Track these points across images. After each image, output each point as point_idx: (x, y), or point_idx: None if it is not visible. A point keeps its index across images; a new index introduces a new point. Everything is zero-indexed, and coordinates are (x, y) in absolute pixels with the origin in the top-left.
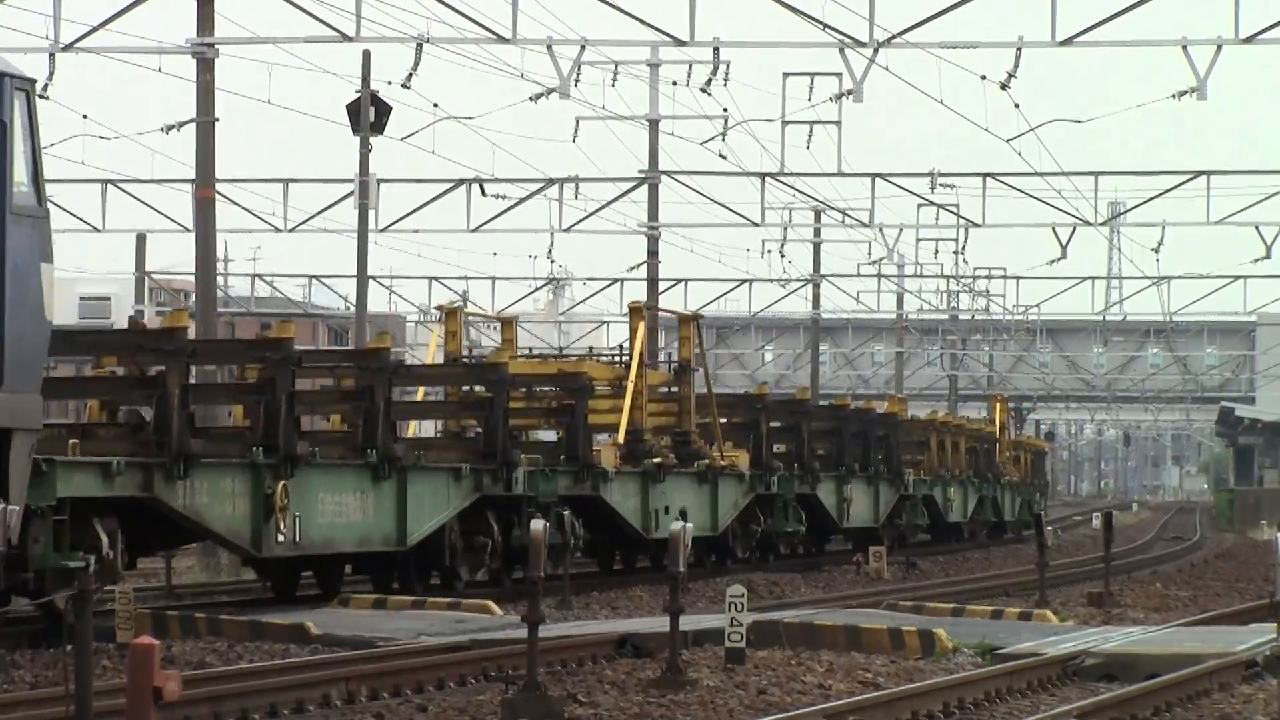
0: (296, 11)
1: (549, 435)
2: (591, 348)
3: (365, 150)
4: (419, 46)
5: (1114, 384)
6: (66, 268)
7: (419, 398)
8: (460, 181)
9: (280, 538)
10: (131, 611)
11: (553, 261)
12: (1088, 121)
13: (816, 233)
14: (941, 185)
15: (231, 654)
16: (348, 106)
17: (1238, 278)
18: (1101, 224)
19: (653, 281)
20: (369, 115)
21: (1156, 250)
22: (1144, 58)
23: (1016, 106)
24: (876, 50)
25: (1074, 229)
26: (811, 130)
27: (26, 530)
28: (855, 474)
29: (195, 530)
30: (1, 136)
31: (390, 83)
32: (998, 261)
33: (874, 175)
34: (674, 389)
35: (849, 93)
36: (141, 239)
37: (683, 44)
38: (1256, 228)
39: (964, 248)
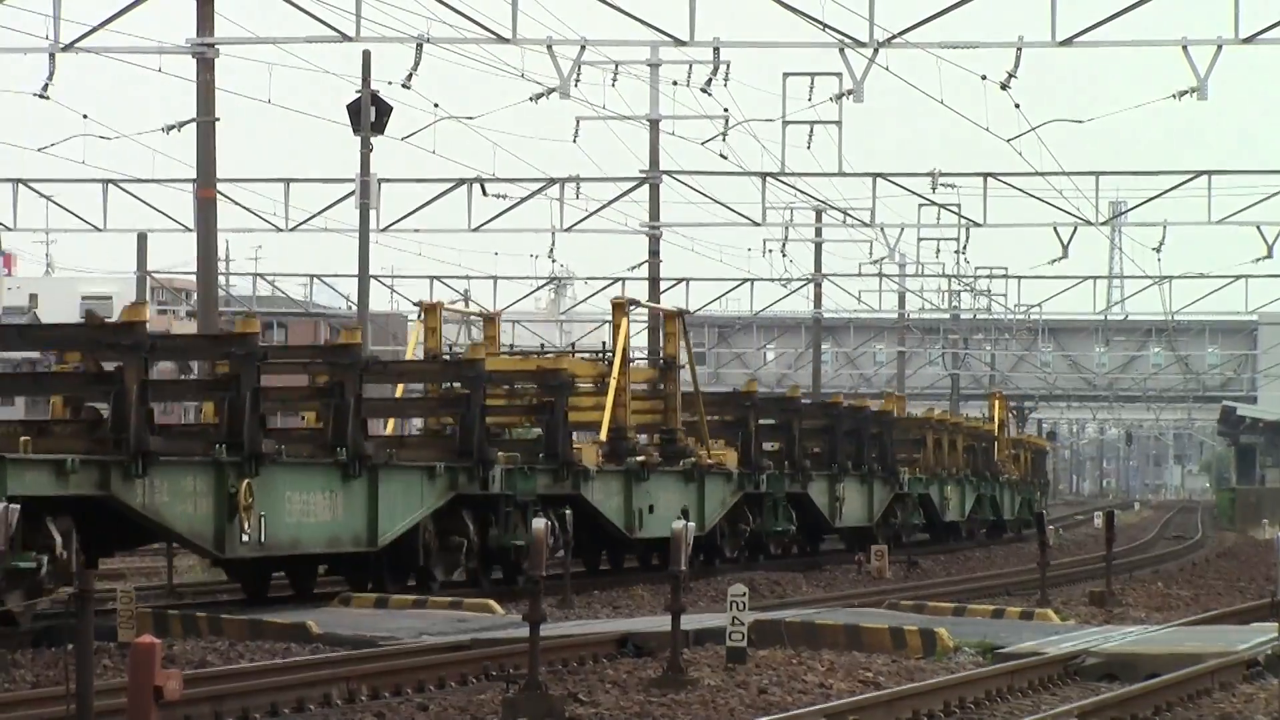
0: (296, 11)
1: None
2: (574, 344)
3: (366, 150)
4: (419, 46)
5: (1116, 383)
6: (68, 267)
7: (398, 394)
8: (461, 181)
9: (245, 538)
10: (132, 611)
11: (554, 261)
12: (1088, 121)
13: (818, 232)
14: (942, 185)
15: (232, 653)
16: (348, 106)
17: (1239, 277)
18: (1102, 224)
19: (654, 281)
20: (369, 115)
21: (1158, 250)
22: (1144, 58)
23: (1017, 106)
24: (877, 50)
25: (1075, 229)
26: (812, 130)
27: None
28: (848, 472)
29: (155, 530)
30: None
31: (390, 83)
32: (999, 261)
33: (875, 175)
34: (660, 386)
35: (849, 93)
36: (143, 239)
37: (683, 44)
38: (1258, 227)
39: (965, 247)
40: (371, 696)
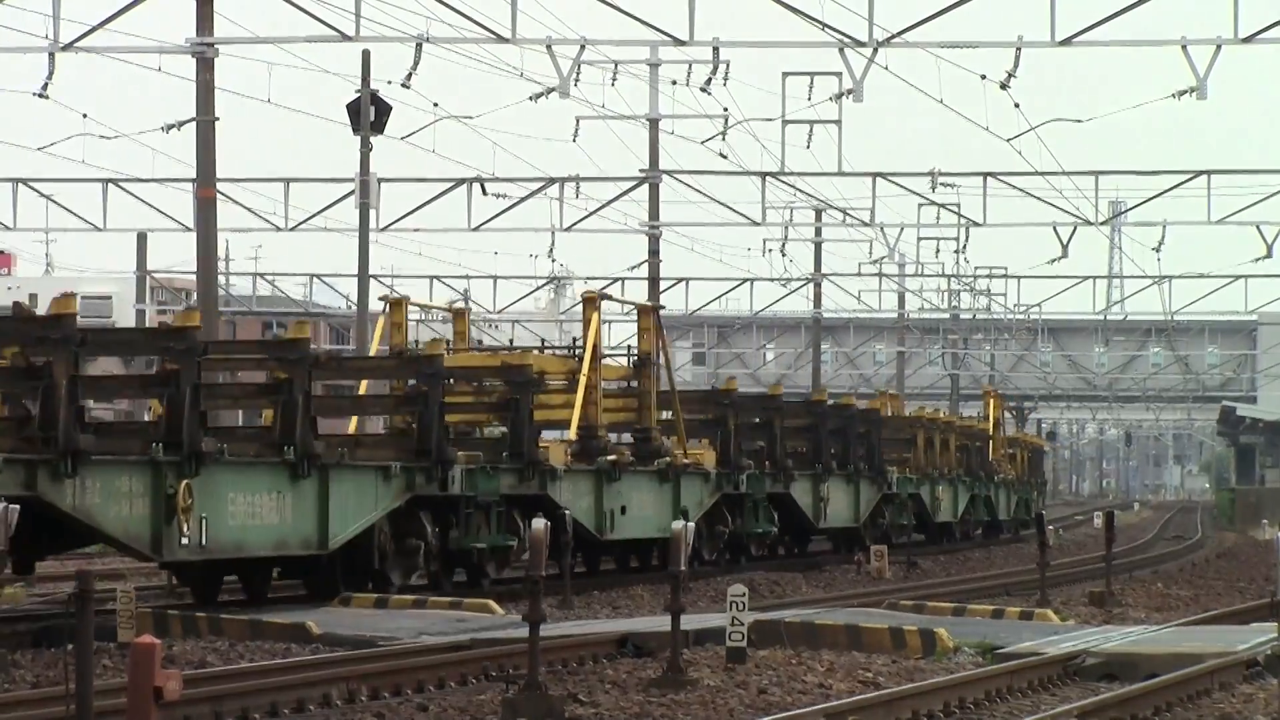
0: (296, 11)
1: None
2: (544, 340)
3: (365, 150)
4: (419, 46)
5: (1115, 383)
6: (68, 267)
7: (362, 391)
8: (461, 181)
9: (184, 541)
10: (132, 611)
11: (554, 261)
12: (1088, 121)
13: (817, 232)
14: (942, 185)
15: (232, 653)
16: (348, 106)
17: (1239, 277)
18: (1102, 223)
19: (653, 281)
20: (369, 115)
21: (1157, 250)
22: (1144, 57)
23: (1016, 106)
24: (876, 50)
25: (1075, 228)
26: (812, 130)
27: None
28: (833, 472)
29: (88, 533)
30: None
31: (390, 82)
32: (999, 261)
33: (874, 175)
34: (634, 384)
35: (849, 92)
36: (142, 238)
37: (682, 44)
38: (1257, 227)
39: (965, 247)
40: (371, 697)
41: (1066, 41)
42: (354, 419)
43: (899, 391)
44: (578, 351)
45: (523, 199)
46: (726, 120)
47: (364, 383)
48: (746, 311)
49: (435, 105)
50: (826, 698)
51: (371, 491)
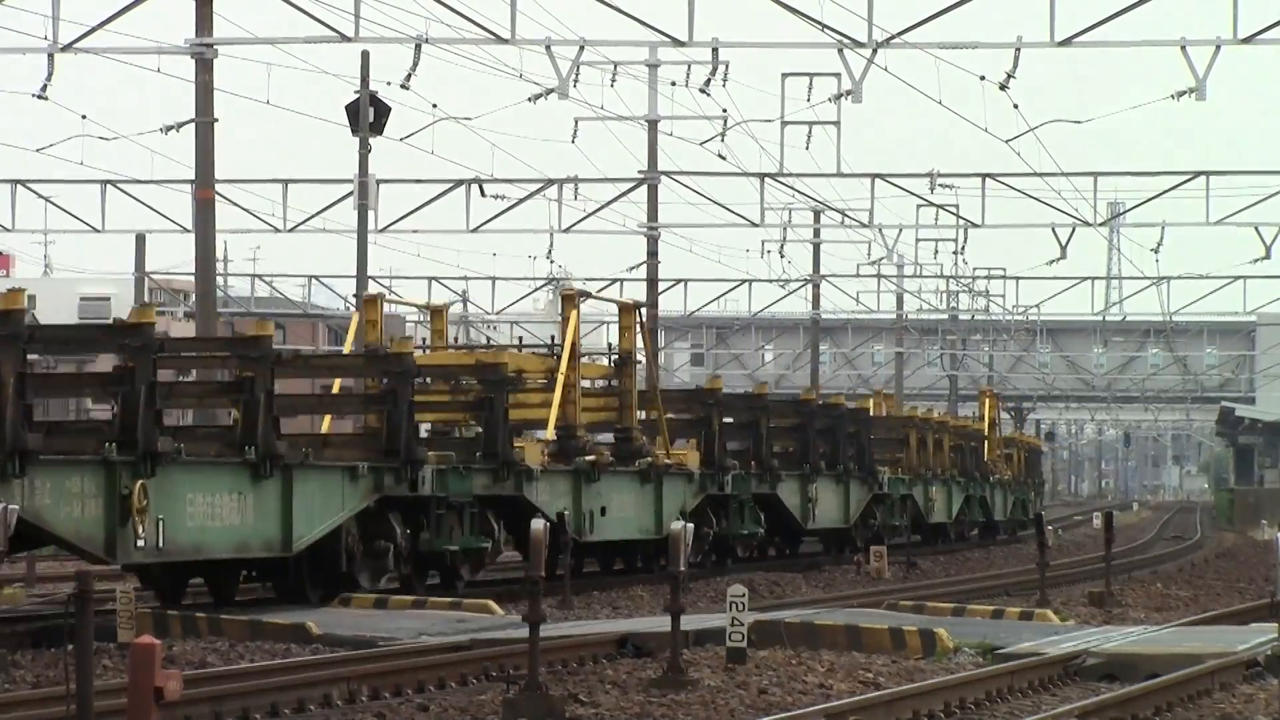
0: (295, 12)
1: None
2: (520, 338)
3: (365, 150)
4: (418, 47)
5: (1114, 384)
6: (66, 268)
7: (335, 390)
8: (460, 182)
9: (140, 543)
10: (132, 611)
11: (552, 262)
12: (1087, 122)
13: (816, 233)
14: (941, 185)
15: (232, 654)
16: (347, 107)
17: (1237, 278)
18: (1101, 224)
19: (652, 281)
20: (368, 115)
21: (1156, 250)
22: (1143, 58)
23: (1016, 107)
24: (875, 51)
25: (1073, 229)
26: (810, 131)
27: None
28: (822, 472)
29: (38, 535)
30: None
31: (389, 83)
32: (997, 262)
33: (873, 175)
34: (615, 383)
35: (848, 93)
36: (141, 239)
37: (681, 44)
38: (1256, 228)
39: (963, 248)
40: (371, 697)
41: (1066, 42)
42: (327, 419)
43: (898, 392)
44: (557, 350)
45: (521, 200)
46: (725, 121)
47: (337, 382)
48: (745, 312)
49: (434, 106)
50: (826, 698)
51: (337, 492)
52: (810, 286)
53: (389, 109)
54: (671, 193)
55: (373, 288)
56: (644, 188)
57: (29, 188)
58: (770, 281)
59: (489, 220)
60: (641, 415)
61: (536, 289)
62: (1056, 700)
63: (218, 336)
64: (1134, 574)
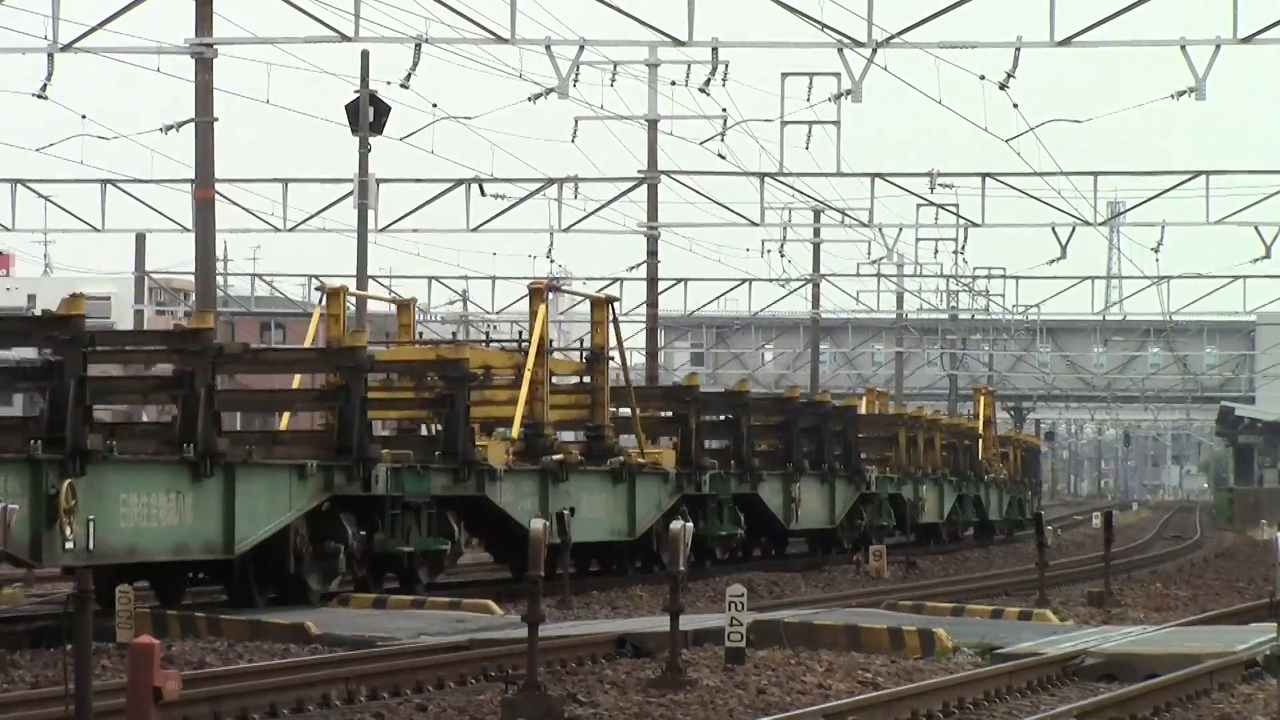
0: (295, 12)
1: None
2: (488, 333)
3: (364, 150)
4: (418, 47)
5: (1114, 384)
6: (66, 267)
7: (294, 385)
8: (460, 181)
9: (68, 545)
10: (131, 611)
11: (552, 261)
12: (1087, 121)
13: (816, 232)
14: (941, 185)
15: (231, 654)
16: (347, 107)
17: (1237, 278)
18: (1101, 224)
19: (652, 281)
20: (368, 115)
21: (1156, 250)
22: (1143, 58)
23: (1015, 106)
24: (875, 50)
25: (1073, 229)
26: (810, 130)
27: None
28: (805, 471)
29: None
30: None
31: (389, 83)
32: (997, 261)
33: (873, 175)
34: (586, 379)
35: (848, 93)
36: (141, 239)
37: (681, 44)
38: (1256, 228)
39: (963, 247)
40: (370, 697)
41: (1065, 42)
42: (285, 416)
43: (898, 392)
44: (525, 345)
45: (521, 200)
46: (725, 121)
47: (297, 378)
48: (745, 312)
49: (434, 106)
50: (826, 698)
51: (285, 492)
52: (810, 286)
53: (389, 109)
54: (671, 192)
55: (373, 287)
56: (644, 187)
57: (29, 187)
58: (770, 281)
59: (489, 220)
60: (626, 413)
61: None
62: (1055, 700)
63: (156, 330)
64: (1133, 574)
